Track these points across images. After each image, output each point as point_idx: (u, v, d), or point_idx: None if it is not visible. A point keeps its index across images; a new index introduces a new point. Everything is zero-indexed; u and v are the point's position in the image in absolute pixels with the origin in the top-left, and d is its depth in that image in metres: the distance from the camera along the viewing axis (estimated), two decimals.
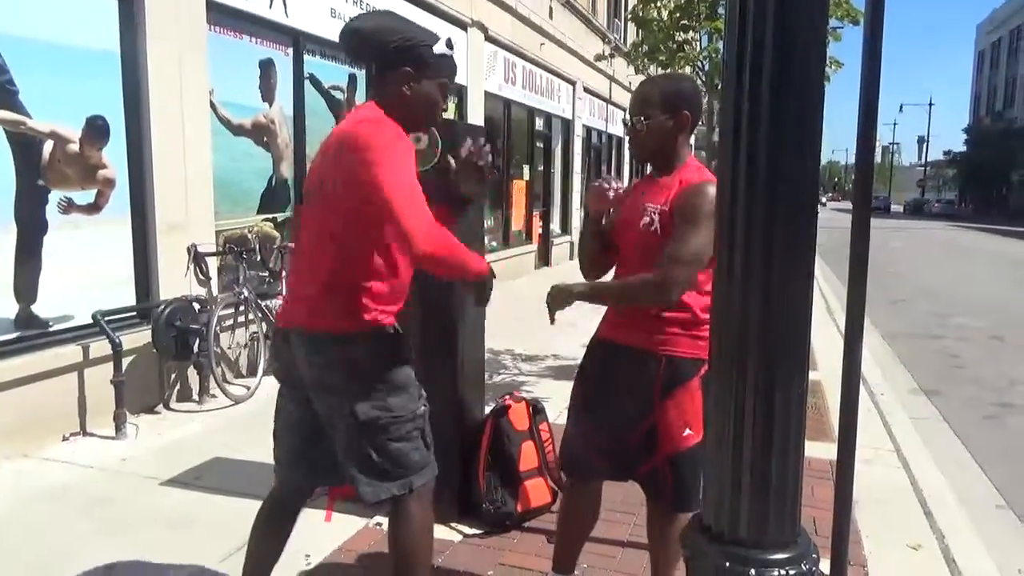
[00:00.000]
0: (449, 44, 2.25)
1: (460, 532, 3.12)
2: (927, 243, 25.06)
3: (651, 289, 2.18)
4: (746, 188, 1.19)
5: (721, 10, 5.15)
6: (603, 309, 2.49)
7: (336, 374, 2.02)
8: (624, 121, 2.44)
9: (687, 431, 2.24)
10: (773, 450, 1.23)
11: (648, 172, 2.40)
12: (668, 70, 5.36)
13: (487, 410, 3.42)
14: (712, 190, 2.12)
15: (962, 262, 18.60)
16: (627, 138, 2.43)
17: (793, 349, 1.23)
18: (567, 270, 13.52)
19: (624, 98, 19.49)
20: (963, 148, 56.67)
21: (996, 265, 17.89)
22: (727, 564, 1.22)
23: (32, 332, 4.21)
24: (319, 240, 2.03)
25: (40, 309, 4.27)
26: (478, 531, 3.13)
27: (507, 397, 3.35)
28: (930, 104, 65.57)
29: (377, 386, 2.03)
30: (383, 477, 2.06)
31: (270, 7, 5.88)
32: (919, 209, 60.10)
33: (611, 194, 2.38)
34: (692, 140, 2.39)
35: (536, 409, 3.36)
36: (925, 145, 67.51)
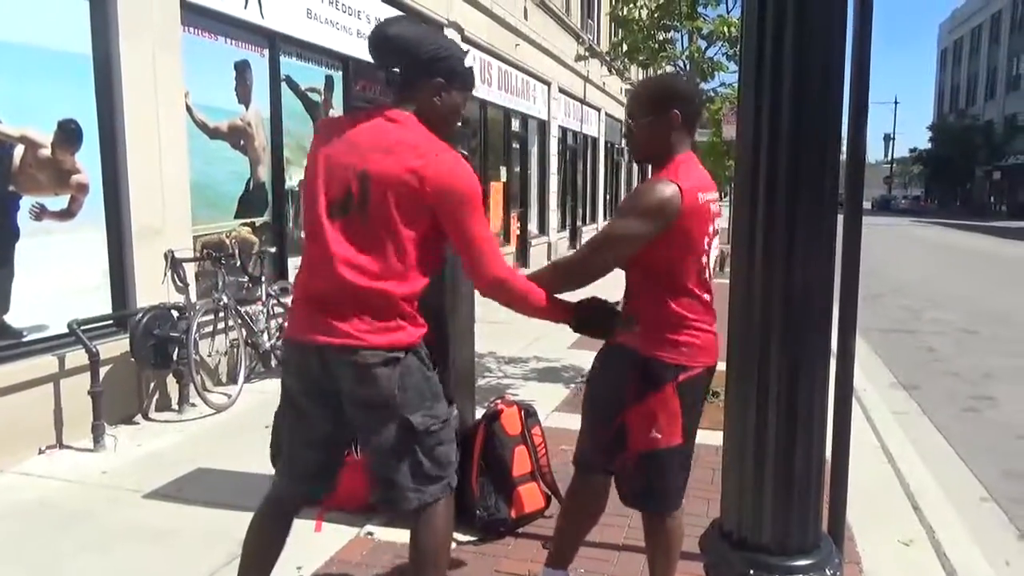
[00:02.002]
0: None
1: (454, 540, 3.07)
2: (895, 239, 25.47)
3: (561, 274, 2.29)
4: (767, 176, 1.17)
5: (701, 9, 5.17)
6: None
7: (387, 389, 2.03)
8: (622, 122, 2.45)
9: (654, 433, 2.23)
10: (796, 453, 1.21)
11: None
12: (649, 70, 5.36)
13: (478, 415, 3.38)
14: (663, 188, 2.12)
15: (931, 257, 18.93)
16: (623, 139, 2.43)
17: (815, 350, 1.21)
18: None
19: (598, 98, 19.55)
20: (928, 145, 57.75)
21: (963, 259, 18.25)
22: (751, 572, 1.20)
23: (5, 343, 4.08)
24: (378, 257, 2.00)
25: (13, 319, 4.14)
26: (472, 538, 3.09)
27: (499, 401, 3.31)
28: (895, 102, 66.64)
29: (425, 395, 2.10)
30: (429, 481, 2.11)
31: (245, 7, 5.78)
32: (886, 205, 61.13)
33: None
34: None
35: (528, 413, 3.33)
36: (891, 142, 68.59)
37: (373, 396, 2.04)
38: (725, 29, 4.92)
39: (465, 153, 3.19)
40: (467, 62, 2.19)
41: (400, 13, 8.10)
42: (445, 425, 2.15)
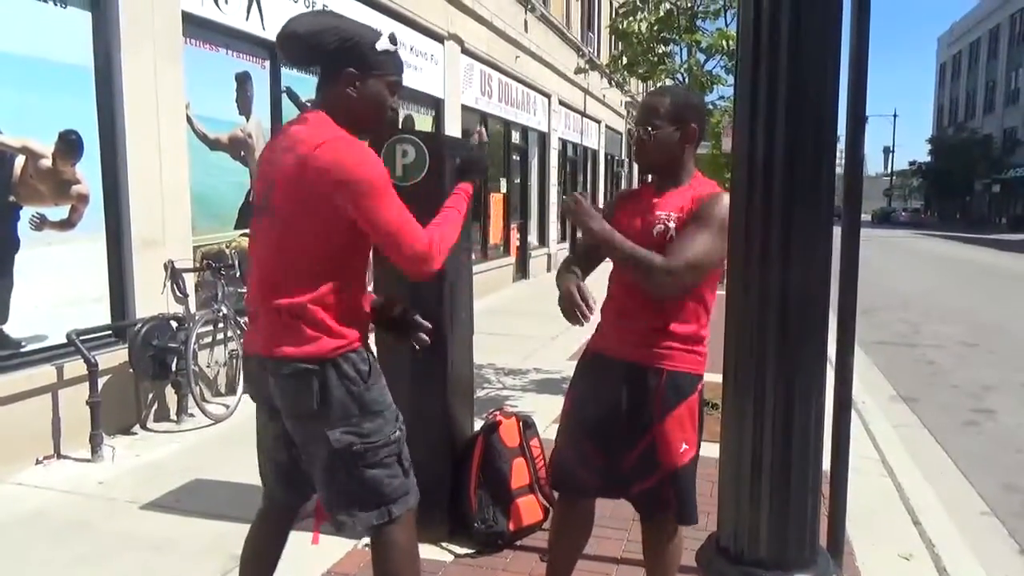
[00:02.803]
0: (392, 39, 2.19)
1: (452, 552, 3.07)
2: (895, 251, 25.48)
3: (658, 271, 2.12)
4: (762, 186, 1.17)
5: (700, 22, 5.20)
6: (592, 325, 2.45)
7: (306, 401, 1.94)
8: (630, 131, 2.44)
9: (684, 447, 2.23)
10: (792, 465, 1.21)
11: (649, 181, 2.39)
12: (649, 82, 5.39)
13: (477, 426, 3.37)
14: (728, 199, 2.11)
15: (931, 270, 18.93)
16: (633, 148, 2.41)
17: (812, 361, 1.21)
18: (546, 282, 13.52)
19: (598, 111, 19.61)
20: (927, 158, 57.90)
21: (964, 272, 18.25)
22: None
23: (4, 353, 4.08)
24: (282, 263, 1.95)
25: (12, 329, 4.14)
26: (470, 551, 3.08)
27: (497, 413, 3.31)
28: (895, 115, 66.82)
29: (350, 411, 1.95)
30: (360, 506, 1.97)
31: (246, 19, 5.81)
32: (886, 218, 61.26)
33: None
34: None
35: (526, 424, 3.33)
36: (891, 156, 68.75)
37: (293, 408, 1.98)
38: (724, 43, 4.95)
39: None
40: (383, 45, 2.00)
41: (403, 26, 8.15)
42: (376, 447, 1.97)
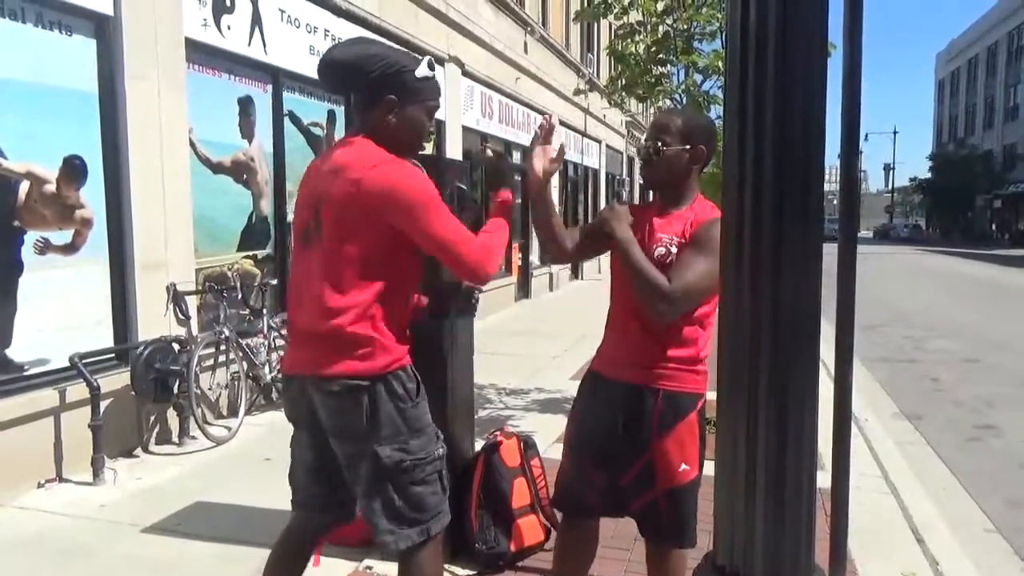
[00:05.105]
0: (431, 65, 2.25)
1: (453, 574, 3.06)
2: (897, 268, 25.46)
3: (659, 293, 2.11)
4: (752, 204, 1.19)
5: (696, 44, 5.26)
6: (593, 343, 2.47)
7: (357, 419, 1.97)
8: (638, 147, 2.46)
9: (683, 466, 2.22)
10: (787, 481, 1.22)
11: (652, 200, 2.41)
12: (647, 103, 5.44)
13: (477, 446, 3.37)
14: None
15: (932, 286, 18.90)
16: (639, 163, 2.44)
17: (803, 374, 1.23)
18: (547, 301, 13.54)
19: (598, 131, 19.73)
20: (928, 174, 58.04)
21: (965, 288, 18.21)
22: None
23: (7, 376, 4.10)
24: (331, 283, 1.96)
25: (15, 353, 4.16)
26: (471, 572, 3.07)
27: (498, 433, 3.31)
28: (895, 132, 67.07)
29: (399, 429, 2.00)
30: (405, 523, 2.01)
31: (249, 45, 5.89)
32: (887, 234, 61.35)
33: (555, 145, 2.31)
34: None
35: (527, 445, 3.33)
36: (891, 172, 68.92)
37: (340, 426, 2.00)
38: (720, 63, 5.00)
39: (463, 187, 3.24)
40: (422, 72, 2.06)
41: (404, 49, 8.23)
42: (423, 463, 2.02)
